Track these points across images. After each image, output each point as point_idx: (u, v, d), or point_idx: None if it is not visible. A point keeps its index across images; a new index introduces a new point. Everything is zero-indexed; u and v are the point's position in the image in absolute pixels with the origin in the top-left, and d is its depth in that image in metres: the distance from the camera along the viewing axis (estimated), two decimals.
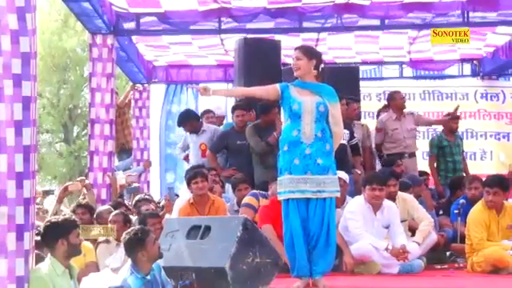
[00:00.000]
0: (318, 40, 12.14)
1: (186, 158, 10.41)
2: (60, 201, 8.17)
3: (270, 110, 8.94)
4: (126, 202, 9.39)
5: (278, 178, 6.17)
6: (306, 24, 10.60)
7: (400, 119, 10.03)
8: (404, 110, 10.11)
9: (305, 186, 6.00)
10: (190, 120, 9.97)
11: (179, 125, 10.24)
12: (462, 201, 8.28)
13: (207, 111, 10.83)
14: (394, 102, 10.14)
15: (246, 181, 8.55)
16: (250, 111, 9.46)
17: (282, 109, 6.28)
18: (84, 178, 9.41)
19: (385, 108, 10.79)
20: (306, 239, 6.03)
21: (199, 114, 10.67)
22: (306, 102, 6.07)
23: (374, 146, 10.22)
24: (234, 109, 9.51)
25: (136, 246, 5.35)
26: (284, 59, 11.50)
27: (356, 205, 7.44)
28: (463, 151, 10.54)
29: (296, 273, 6.06)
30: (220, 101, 13.22)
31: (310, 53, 6.23)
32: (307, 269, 6.03)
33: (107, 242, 7.03)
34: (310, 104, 6.07)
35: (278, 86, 6.26)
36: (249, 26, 10.46)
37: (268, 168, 8.50)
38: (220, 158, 9.64)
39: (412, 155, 10.04)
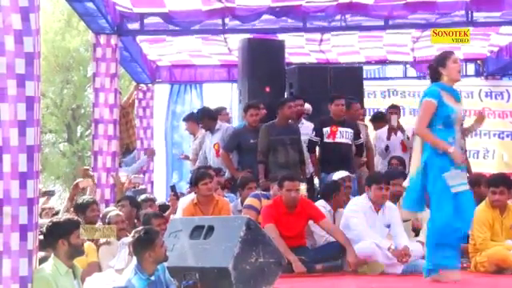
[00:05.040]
0: (321, 40, 12.13)
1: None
2: (72, 198, 8.10)
3: (285, 103, 8.96)
4: None
5: (446, 174, 6.12)
6: (309, 23, 10.58)
7: None
8: None
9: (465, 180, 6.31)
10: (208, 117, 9.95)
11: (198, 120, 10.20)
12: None
13: (221, 109, 10.81)
14: None
15: (253, 180, 8.53)
16: (262, 109, 9.46)
17: None
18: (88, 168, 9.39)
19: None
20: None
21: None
22: (458, 111, 6.34)
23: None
24: (247, 108, 9.47)
25: (145, 246, 5.34)
26: (289, 58, 11.49)
27: (358, 203, 7.43)
28: (466, 151, 10.50)
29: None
30: (226, 102, 13.24)
31: None
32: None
33: (107, 243, 6.98)
34: (459, 113, 6.37)
35: (433, 100, 6.24)
36: (252, 25, 10.44)
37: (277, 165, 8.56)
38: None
39: None
